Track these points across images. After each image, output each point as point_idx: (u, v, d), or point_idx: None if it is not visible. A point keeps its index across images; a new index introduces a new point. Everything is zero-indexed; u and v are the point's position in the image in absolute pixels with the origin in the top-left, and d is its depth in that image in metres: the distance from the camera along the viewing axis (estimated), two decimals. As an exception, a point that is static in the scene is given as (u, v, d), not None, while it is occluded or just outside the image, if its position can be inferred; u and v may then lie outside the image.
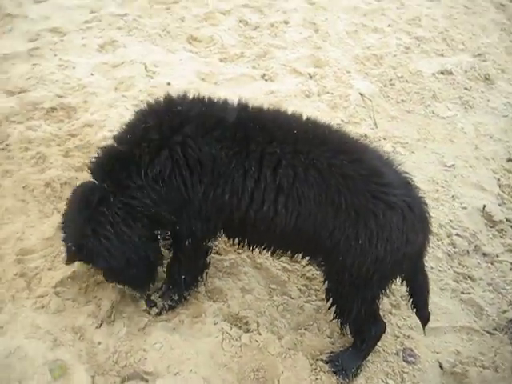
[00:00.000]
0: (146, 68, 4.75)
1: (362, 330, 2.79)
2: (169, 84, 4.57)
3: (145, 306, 2.87)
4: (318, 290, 3.17)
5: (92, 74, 4.58)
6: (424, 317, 2.91)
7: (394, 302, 3.26)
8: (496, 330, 3.25)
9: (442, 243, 3.72)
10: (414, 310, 2.89)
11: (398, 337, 3.09)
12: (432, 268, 3.54)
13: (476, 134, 4.87)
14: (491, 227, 3.96)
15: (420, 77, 5.37)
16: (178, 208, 2.50)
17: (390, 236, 2.41)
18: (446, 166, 4.45)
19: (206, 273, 2.94)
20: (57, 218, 3.21)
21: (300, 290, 3.17)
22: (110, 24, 5.29)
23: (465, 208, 4.04)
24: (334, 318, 2.82)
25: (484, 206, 4.04)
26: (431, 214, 3.74)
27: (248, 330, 2.86)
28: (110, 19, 5.34)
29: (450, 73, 5.45)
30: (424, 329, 2.97)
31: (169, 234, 2.89)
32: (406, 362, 2.98)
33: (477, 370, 2.98)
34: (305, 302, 3.11)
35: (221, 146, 2.43)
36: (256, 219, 2.47)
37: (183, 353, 2.67)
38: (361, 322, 2.74)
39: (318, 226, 2.44)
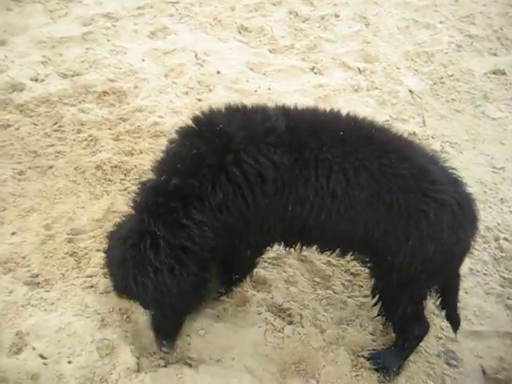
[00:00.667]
0: (196, 56, 4.77)
1: (406, 329, 2.76)
2: (219, 73, 4.59)
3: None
4: (362, 286, 3.15)
5: (143, 60, 4.63)
6: (455, 319, 2.87)
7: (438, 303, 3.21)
8: (541, 338, 3.18)
9: (489, 246, 3.66)
10: (443, 311, 2.86)
11: (440, 338, 3.05)
12: (478, 271, 3.48)
13: (527, 137, 4.75)
14: (540, 233, 3.86)
15: (471, 76, 5.25)
16: (239, 231, 2.36)
17: (441, 236, 2.37)
18: (495, 168, 4.36)
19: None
20: (106, 201, 3.30)
21: (344, 285, 3.16)
22: (161, 11, 5.33)
23: (513, 212, 3.96)
24: (378, 315, 2.80)
25: (533, 211, 3.95)
26: (479, 217, 3.73)
27: (291, 322, 2.87)
28: (162, 6, 5.38)
29: (503, 73, 5.32)
30: (456, 332, 2.92)
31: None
32: (448, 364, 2.94)
33: (521, 378, 2.93)
34: (348, 297, 3.10)
35: (281, 151, 2.29)
36: (313, 226, 2.41)
37: (226, 341, 2.70)
38: (405, 320, 2.71)
39: (370, 227, 2.40)
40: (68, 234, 3.05)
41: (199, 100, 4.33)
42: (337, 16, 5.79)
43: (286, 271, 3.13)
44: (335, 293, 3.11)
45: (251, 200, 2.27)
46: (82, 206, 3.27)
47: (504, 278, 3.51)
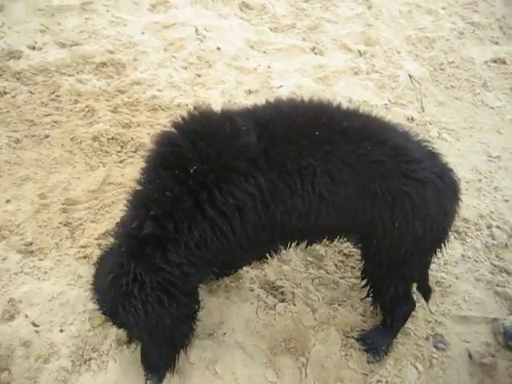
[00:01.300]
0: (196, 31, 4.74)
1: (394, 309, 2.78)
2: (219, 49, 4.56)
3: None
4: (354, 268, 3.16)
5: (143, 33, 4.60)
6: (426, 289, 2.92)
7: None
8: (529, 325, 3.22)
9: (481, 234, 3.67)
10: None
11: (429, 322, 3.07)
12: (469, 258, 3.49)
13: (525, 127, 4.76)
14: (532, 222, 3.89)
15: (472, 64, 5.25)
16: (223, 259, 2.34)
17: (428, 213, 2.36)
18: (491, 156, 4.36)
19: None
20: (102, 172, 3.28)
21: (336, 265, 3.18)
22: (162, -16, 5.26)
23: (507, 201, 3.97)
24: (367, 296, 2.82)
25: (527, 201, 3.97)
26: (473, 204, 3.75)
27: (283, 300, 2.88)
28: (163, -21, 5.31)
29: (504, 62, 5.31)
30: (428, 302, 2.96)
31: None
32: (436, 347, 2.97)
33: (506, 364, 2.96)
34: (340, 277, 3.11)
35: (259, 173, 2.16)
36: (302, 227, 2.37)
37: (219, 316, 2.71)
38: (395, 300, 2.72)
39: (357, 217, 2.38)
40: (63, 204, 3.04)
41: (198, 75, 4.30)
42: (339, -3, 5.75)
43: (280, 249, 3.13)
44: (327, 273, 3.12)
45: (230, 233, 2.17)
46: (78, 177, 3.26)
47: (494, 265, 3.52)
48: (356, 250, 3.09)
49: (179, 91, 4.00)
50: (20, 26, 4.30)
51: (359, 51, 5.03)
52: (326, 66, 4.71)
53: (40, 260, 2.72)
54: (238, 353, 2.61)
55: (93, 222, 2.99)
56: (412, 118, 4.37)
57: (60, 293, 2.55)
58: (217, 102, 3.97)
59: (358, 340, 2.84)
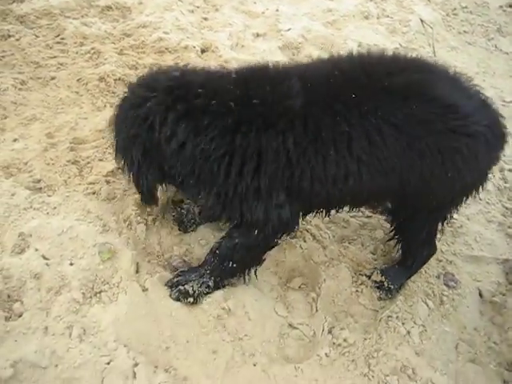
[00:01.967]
0: (203, -26, 4.60)
1: (419, 251, 2.78)
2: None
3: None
4: (365, 207, 3.14)
5: (148, -24, 4.47)
6: None
7: (439, 227, 3.21)
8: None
9: (494, 176, 3.63)
10: None
11: (440, 261, 3.06)
12: (480, 199, 3.46)
13: (539, 73, 4.66)
14: (544, 166, 3.84)
15: (486, 9, 5.12)
16: None
17: (477, 164, 2.36)
18: (504, 101, 4.29)
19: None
20: (109, 112, 3.21)
21: (347, 204, 3.15)
22: None
23: (519, 145, 3.91)
24: (393, 238, 2.79)
25: (540, 144, 3.90)
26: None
27: (293, 237, 2.85)
28: None
29: (520, 6, 5.17)
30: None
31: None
32: (447, 285, 2.96)
33: (516, 302, 2.95)
34: (351, 216, 3.09)
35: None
36: (341, 195, 2.33)
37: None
38: (421, 243, 2.73)
39: (405, 176, 2.32)
40: (70, 143, 3.00)
41: (205, 19, 4.21)
42: None
43: (290, 187, 3.10)
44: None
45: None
46: (85, 117, 3.21)
47: (506, 207, 3.50)
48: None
49: (186, 34, 3.92)
50: (22, -32, 4.19)
51: (369, -5, 4.90)
52: (335, 10, 4.60)
53: (49, 196, 2.69)
54: (249, 288, 2.61)
55: (101, 160, 2.96)
56: (424, 63, 4.27)
57: (69, 227, 2.53)
58: (224, 45, 3.89)
59: (369, 277, 2.82)
